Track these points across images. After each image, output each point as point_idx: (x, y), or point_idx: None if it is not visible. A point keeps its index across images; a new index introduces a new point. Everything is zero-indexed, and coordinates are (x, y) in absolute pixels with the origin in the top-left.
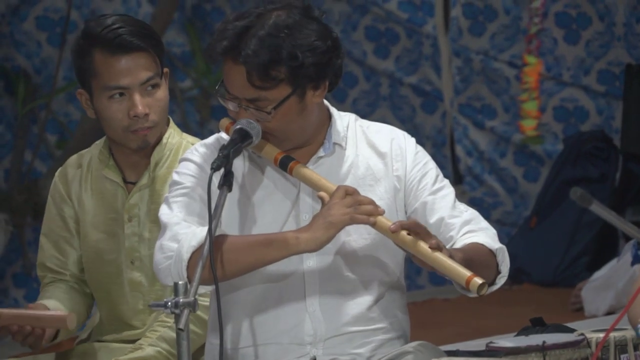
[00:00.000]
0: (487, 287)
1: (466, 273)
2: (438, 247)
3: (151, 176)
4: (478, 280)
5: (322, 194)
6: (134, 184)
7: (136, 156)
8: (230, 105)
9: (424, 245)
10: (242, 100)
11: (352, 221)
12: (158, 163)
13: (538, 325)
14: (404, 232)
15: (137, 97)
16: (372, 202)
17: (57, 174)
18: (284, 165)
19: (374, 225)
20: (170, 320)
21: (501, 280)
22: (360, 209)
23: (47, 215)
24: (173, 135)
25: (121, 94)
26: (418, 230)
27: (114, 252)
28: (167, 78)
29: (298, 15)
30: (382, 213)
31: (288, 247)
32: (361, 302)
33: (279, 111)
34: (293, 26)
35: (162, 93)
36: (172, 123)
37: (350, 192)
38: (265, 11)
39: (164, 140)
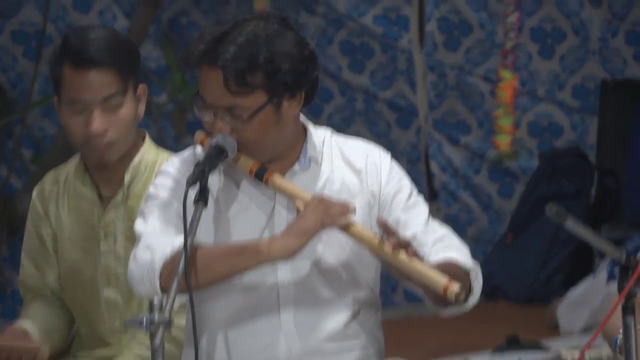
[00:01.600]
0: (464, 295)
1: (443, 280)
2: (415, 254)
3: (126, 193)
4: (455, 287)
5: (299, 202)
6: (110, 198)
7: (110, 172)
8: (206, 116)
9: (400, 253)
10: (218, 108)
11: (323, 226)
12: (133, 179)
13: (513, 343)
14: (381, 240)
15: (96, 113)
16: (342, 205)
17: (34, 191)
18: (260, 176)
19: (346, 229)
20: (147, 340)
21: (473, 299)
22: (330, 211)
23: (26, 233)
24: (148, 151)
25: (82, 109)
26: (393, 234)
27: (90, 270)
28: (145, 94)
29: (276, 25)
30: (351, 211)
31: (260, 255)
32: (337, 319)
33: (254, 120)
34: (271, 34)
35: (126, 111)
36: (148, 139)
37: (324, 201)
38: (243, 20)
39: (139, 156)
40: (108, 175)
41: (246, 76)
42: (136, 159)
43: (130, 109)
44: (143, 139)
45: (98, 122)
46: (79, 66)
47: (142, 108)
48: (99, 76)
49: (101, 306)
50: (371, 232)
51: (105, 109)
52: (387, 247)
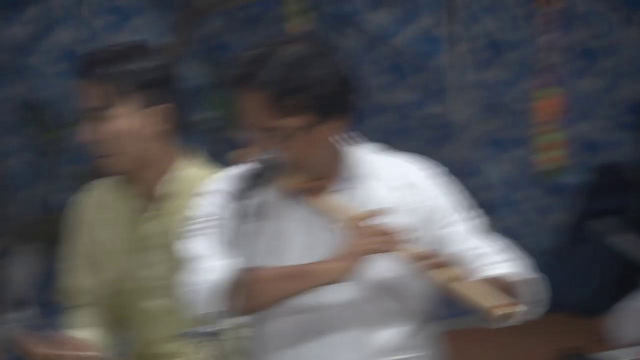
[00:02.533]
0: (509, 317)
1: (488, 302)
2: (460, 277)
3: (163, 206)
4: (499, 311)
5: (346, 223)
6: (148, 212)
7: (148, 185)
8: (247, 136)
9: (446, 274)
10: (259, 129)
11: (376, 251)
12: (171, 193)
13: (571, 355)
14: (425, 262)
15: (91, 124)
16: (395, 230)
17: (76, 202)
18: (304, 195)
19: (397, 253)
20: (192, 352)
21: (526, 313)
22: (384, 237)
23: (67, 242)
24: (188, 166)
25: (88, 118)
26: (440, 260)
27: (127, 282)
28: (170, 114)
29: (314, 47)
30: (406, 239)
31: (314, 279)
32: (393, 333)
33: (295, 141)
34: (309, 57)
35: (118, 124)
36: (189, 156)
37: (372, 221)
38: (281, 42)
39: (178, 171)
40: (145, 190)
41: (285, 99)
42: (174, 174)
43: (124, 122)
44: (182, 154)
45: (89, 132)
46: (81, 77)
47: (155, 126)
48: (93, 87)
49: (139, 317)
50: (416, 253)
51: (98, 121)
52: (432, 270)
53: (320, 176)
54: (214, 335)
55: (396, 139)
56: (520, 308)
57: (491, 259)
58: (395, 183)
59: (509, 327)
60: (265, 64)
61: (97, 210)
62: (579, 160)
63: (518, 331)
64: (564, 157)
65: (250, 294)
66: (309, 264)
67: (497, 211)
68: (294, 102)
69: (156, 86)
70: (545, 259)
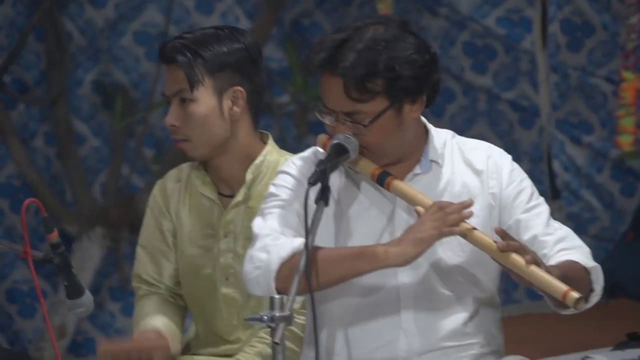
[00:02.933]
0: (583, 302)
1: (563, 287)
2: (534, 262)
3: (247, 193)
4: (575, 295)
5: (419, 208)
6: (230, 197)
7: (229, 171)
8: (327, 120)
9: (519, 260)
10: (339, 113)
11: (441, 235)
12: (255, 179)
13: (635, 340)
14: (496, 245)
15: (172, 108)
16: (461, 212)
17: (156, 187)
18: (381, 180)
19: (465, 236)
20: (268, 337)
21: (594, 299)
22: (448, 219)
23: (145, 227)
24: (271, 152)
25: (168, 102)
26: (514, 245)
27: (209, 267)
28: (242, 97)
29: (396, 30)
30: (468, 216)
31: (377, 261)
32: (456, 318)
33: (375, 125)
34: (391, 39)
35: (198, 108)
36: (270, 140)
37: (443, 208)
38: (363, 25)
39: (261, 156)
40: (225, 175)
41: (366, 83)
42: (258, 160)
43: (204, 106)
44: (266, 140)
45: (170, 116)
46: (162, 61)
47: (236, 110)
48: (172, 72)
49: (219, 303)
50: (490, 238)
51: (180, 105)
52: (506, 254)
53: (401, 158)
54: (286, 319)
55: (483, 120)
56: (594, 295)
57: (564, 244)
58: (477, 167)
59: (578, 311)
60: (346, 48)
61: (179, 195)
62: None
63: (581, 317)
64: (639, 141)
65: (315, 271)
66: (373, 245)
67: (574, 194)
68: (374, 87)
69: (237, 69)
70: (617, 243)
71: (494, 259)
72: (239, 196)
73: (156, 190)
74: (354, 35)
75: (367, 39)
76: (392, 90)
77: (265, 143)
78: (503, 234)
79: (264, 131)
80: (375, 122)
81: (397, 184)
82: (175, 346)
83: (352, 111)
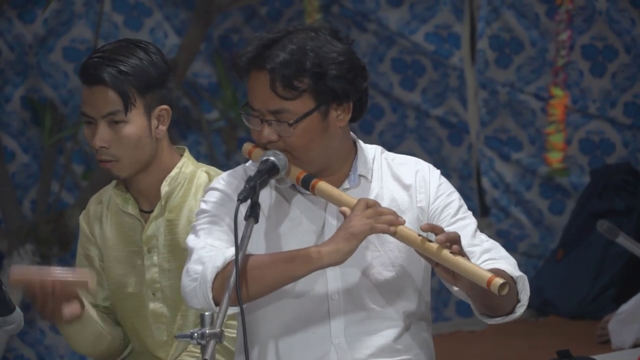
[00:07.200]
0: (507, 288)
1: (487, 274)
2: (460, 253)
3: (164, 206)
4: (499, 280)
5: (344, 208)
6: (151, 212)
7: (148, 187)
8: (253, 124)
9: (445, 251)
10: (266, 113)
11: (373, 230)
12: (171, 193)
13: (565, 358)
14: (426, 239)
15: (99, 129)
16: (393, 213)
17: (81, 216)
18: (306, 183)
19: (394, 234)
20: (198, 351)
21: (520, 309)
22: (381, 218)
23: (77, 255)
24: (187, 164)
25: (90, 122)
26: (439, 232)
27: (136, 284)
28: (167, 116)
29: (327, 35)
30: (402, 223)
31: (311, 261)
32: (387, 334)
33: (300, 126)
34: (321, 42)
35: (130, 129)
36: (187, 153)
37: (371, 205)
38: (294, 30)
39: (176, 169)
40: (146, 191)
41: (293, 80)
42: (173, 172)
43: (135, 127)
44: (182, 154)
45: (98, 137)
46: (84, 82)
47: (162, 129)
48: (99, 92)
49: (148, 320)
50: (416, 233)
51: (110, 126)
52: (432, 245)
53: (329, 171)
54: (216, 336)
55: (411, 136)
56: (519, 306)
57: (491, 255)
58: (406, 181)
59: (504, 329)
60: (276, 47)
61: (102, 217)
62: (584, 161)
63: (511, 334)
64: (569, 157)
65: (248, 278)
66: (305, 247)
67: (503, 211)
68: (301, 84)
69: (161, 86)
70: (547, 260)
71: (421, 253)
72: (156, 210)
73: (81, 219)
74: (284, 37)
75: (297, 40)
76: (318, 89)
77: (183, 157)
78: (430, 227)
79: (180, 146)
80: (301, 122)
81: (322, 185)
82: (93, 284)
83: (278, 109)
